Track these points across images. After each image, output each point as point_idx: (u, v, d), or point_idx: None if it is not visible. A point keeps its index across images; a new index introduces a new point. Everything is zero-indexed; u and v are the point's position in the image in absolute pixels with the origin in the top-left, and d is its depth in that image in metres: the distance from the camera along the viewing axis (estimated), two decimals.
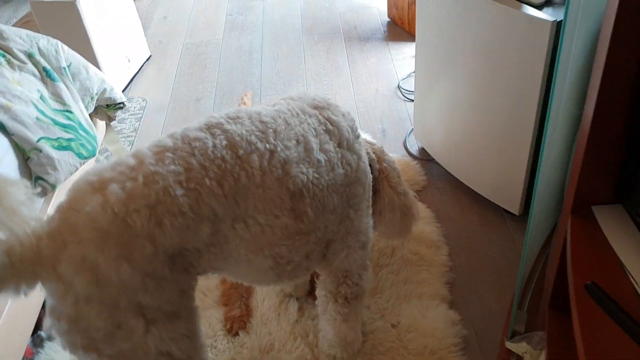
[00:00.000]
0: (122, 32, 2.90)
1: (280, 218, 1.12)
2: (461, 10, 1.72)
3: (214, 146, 1.06)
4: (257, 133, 1.12)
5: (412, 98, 2.64)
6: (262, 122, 1.14)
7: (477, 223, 1.98)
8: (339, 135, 1.27)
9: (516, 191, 1.87)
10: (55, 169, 1.58)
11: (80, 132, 1.70)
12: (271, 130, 1.13)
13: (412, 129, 2.44)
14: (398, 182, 1.52)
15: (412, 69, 2.83)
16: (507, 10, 1.55)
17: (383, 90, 2.74)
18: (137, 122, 2.67)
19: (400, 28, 3.21)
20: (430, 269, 1.78)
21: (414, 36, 3.10)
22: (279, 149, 1.12)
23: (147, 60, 3.18)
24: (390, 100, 2.67)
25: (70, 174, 1.65)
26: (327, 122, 1.26)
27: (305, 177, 1.15)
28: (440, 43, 1.89)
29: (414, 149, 2.35)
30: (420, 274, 1.76)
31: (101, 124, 2.07)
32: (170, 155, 1.02)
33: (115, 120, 2.12)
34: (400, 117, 2.56)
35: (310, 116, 1.24)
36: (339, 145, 1.26)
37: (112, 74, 2.77)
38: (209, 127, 1.09)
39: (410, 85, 2.73)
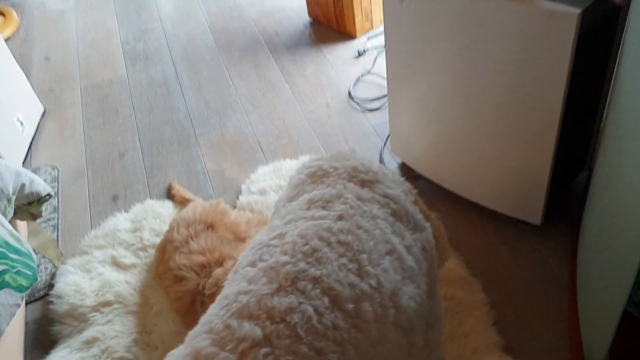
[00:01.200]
0: (4, 89, 2.35)
1: None
2: (456, 10, 1.44)
3: (317, 312, 0.73)
4: (350, 265, 0.80)
5: (370, 107, 2.36)
6: (343, 244, 0.82)
7: (495, 242, 1.74)
8: (406, 214, 0.98)
9: (536, 199, 1.65)
10: None
11: (11, 255, 1.26)
12: (360, 252, 0.82)
13: (384, 144, 2.17)
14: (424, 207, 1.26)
15: (357, 73, 2.55)
16: (519, 6, 1.30)
17: (334, 103, 2.44)
18: (53, 198, 2.18)
19: (326, 27, 2.90)
20: (473, 314, 1.53)
21: (347, 34, 2.85)
22: (382, 278, 0.81)
23: (42, 116, 2.64)
24: (346, 113, 2.37)
25: (12, 316, 1.22)
26: (388, 201, 0.96)
27: (414, 301, 0.84)
28: (421, 47, 1.61)
29: (393, 166, 2.08)
30: (466, 323, 1.50)
31: (21, 225, 1.61)
32: (268, 351, 0.68)
33: (41, 217, 1.66)
34: (364, 131, 2.27)
35: (370, 203, 0.93)
36: (413, 228, 0.96)
37: (5, 147, 2.24)
38: (293, 282, 0.77)
39: (361, 92, 2.44)
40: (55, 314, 1.68)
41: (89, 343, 1.58)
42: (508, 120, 1.54)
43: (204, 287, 1.43)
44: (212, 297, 1.38)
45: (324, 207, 0.90)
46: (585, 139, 1.74)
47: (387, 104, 2.34)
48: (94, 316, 1.65)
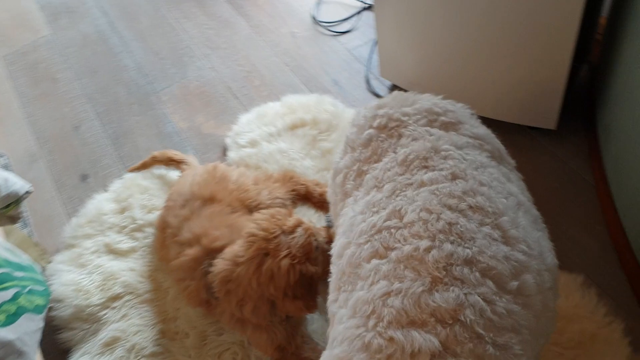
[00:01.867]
0: None
1: None
2: None
3: (487, 300, 0.64)
4: (495, 234, 0.68)
5: (341, 30, 2.18)
6: (476, 209, 0.70)
7: (511, 155, 1.67)
8: (499, 152, 0.87)
9: (551, 103, 1.57)
10: (20, 355, 0.96)
11: (16, 273, 1.06)
12: (498, 215, 0.71)
13: (368, 68, 2.01)
14: None
15: None
16: None
17: (300, 32, 2.23)
18: None
19: None
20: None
21: None
22: (529, 240, 0.71)
23: None
24: (316, 41, 2.18)
25: (38, 342, 1.04)
26: (481, 143, 0.84)
27: (552, 255, 0.74)
28: None
29: (383, 91, 1.94)
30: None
31: None
32: None
33: (20, 218, 1.43)
34: (342, 57, 2.10)
35: (469, 149, 0.81)
36: (511, 167, 0.85)
37: None
38: (447, 270, 0.64)
39: (327, 15, 2.24)
40: (59, 320, 1.49)
41: (109, 345, 1.42)
42: (520, 21, 1.42)
43: (210, 285, 1.28)
44: (227, 295, 1.23)
45: (426, 167, 0.76)
46: (589, 33, 1.66)
47: (359, 23, 2.17)
48: (105, 314, 1.48)
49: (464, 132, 0.84)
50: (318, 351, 1.30)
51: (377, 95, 1.93)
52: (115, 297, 1.51)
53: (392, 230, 0.70)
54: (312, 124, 1.82)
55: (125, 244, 1.61)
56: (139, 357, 1.38)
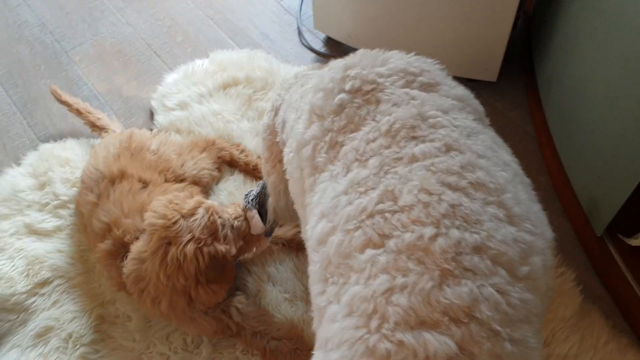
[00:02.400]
0: None
1: None
2: None
3: (500, 291, 0.59)
4: (500, 213, 0.63)
5: None
6: (478, 185, 0.65)
7: None
8: (480, 114, 0.82)
9: (494, 55, 1.55)
10: None
11: None
12: (500, 191, 0.67)
13: (300, 19, 1.91)
14: None
15: None
16: None
17: None
18: None
19: None
20: None
21: None
22: (532, 217, 0.67)
23: None
24: None
25: None
26: (463, 105, 0.79)
27: (548, 227, 0.71)
28: None
29: (318, 45, 1.85)
30: None
31: None
32: None
33: None
34: (271, 9, 1.97)
35: (455, 112, 0.75)
36: (496, 136, 0.81)
37: None
38: (456, 260, 0.59)
39: None
40: None
41: (42, 335, 1.29)
42: None
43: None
44: (141, 295, 1.14)
45: (415, 138, 0.69)
46: None
47: None
48: (34, 302, 1.34)
49: (444, 93, 0.79)
50: (270, 322, 1.25)
51: (312, 50, 1.84)
52: (44, 283, 1.37)
53: (387, 214, 0.63)
54: (246, 83, 1.71)
55: (48, 223, 1.46)
56: (77, 347, 1.27)
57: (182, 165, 1.40)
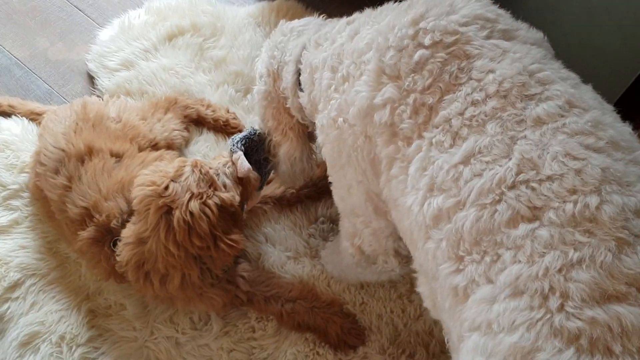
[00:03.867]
0: None
1: None
2: None
3: None
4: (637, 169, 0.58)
5: None
6: (614, 144, 0.61)
7: None
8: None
9: None
10: None
11: None
12: (634, 150, 0.60)
13: None
14: None
15: None
16: None
17: None
18: None
19: None
20: None
21: None
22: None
23: None
24: None
25: None
26: (546, 52, 0.73)
27: None
28: None
29: None
30: None
31: None
32: None
33: None
34: None
35: (550, 62, 0.70)
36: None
37: None
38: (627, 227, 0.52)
39: None
40: None
41: (28, 343, 1.15)
42: None
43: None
44: (146, 279, 1.04)
45: (530, 97, 0.63)
46: None
47: None
48: (7, 309, 1.19)
49: (523, 39, 0.72)
50: (280, 285, 1.19)
51: None
52: (14, 286, 1.21)
53: (533, 184, 0.58)
54: (193, 31, 1.55)
55: (2, 217, 1.28)
56: (74, 348, 1.15)
57: (150, 130, 1.26)
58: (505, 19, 0.74)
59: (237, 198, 1.06)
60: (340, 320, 1.16)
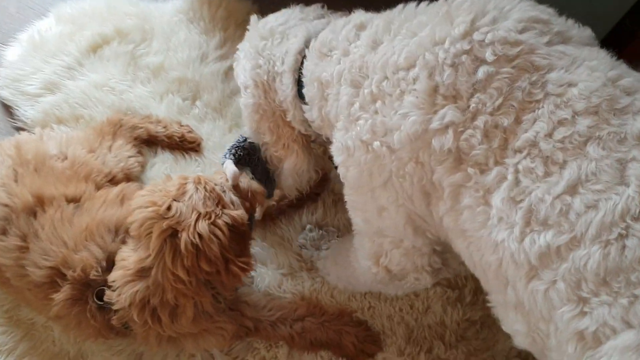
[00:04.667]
0: None
1: None
2: None
3: None
4: None
5: None
6: None
7: None
8: None
9: None
10: None
11: None
12: None
13: None
14: None
15: None
16: None
17: None
18: None
19: None
20: None
21: None
22: None
23: None
24: None
25: None
26: (604, 50, 0.68)
27: None
28: None
29: None
30: None
31: None
32: None
33: None
34: None
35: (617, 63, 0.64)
36: None
37: None
38: None
39: None
40: None
41: None
42: None
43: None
44: (153, 317, 0.91)
45: (622, 111, 0.58)
46: None
47: None
48: None
49: (579, 39, 0.66)
50: (284, 306, 1.11)
51: None
52: None
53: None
54: (119, 38, 1.37)
55: None
56: None
57: (104, 163, 1.10)
58: (555, 18, 0.68)
59: (246, 215, 0.95)
60: (354, 329, 1.10)
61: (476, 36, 0.64)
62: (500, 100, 0.62)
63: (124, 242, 0.96)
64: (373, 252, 0.91)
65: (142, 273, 0.88)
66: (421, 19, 0.71)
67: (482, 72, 0.63)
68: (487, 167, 0.62)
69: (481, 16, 0.65)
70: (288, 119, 0.95)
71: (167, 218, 0.86)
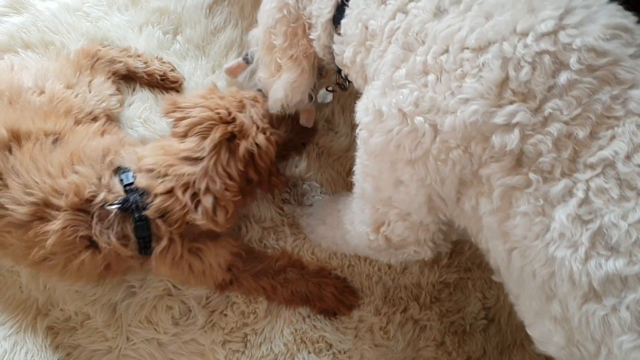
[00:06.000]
0: None
1: None
2: None
3: None
4: None
5: None
6: None
7: None
8: None
9: None
10: None
11: None
12: None
13: None
14: None
15: None
16: None
17: None
18: None
19: None
20: None
21: None
22: None
23: None
24: None
25: None
26: None
27: None
28: None
29: None
30: None
31: None
32: None
33: None
34: None
35: None
36: None
37: None
38: None
39: None
40: None
41: None
42: None
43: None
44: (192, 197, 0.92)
45: None
46: None
47: None
48: None
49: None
50: (265, 257, 1.09)
51: None
52: None
53: None
54: None
55: None
56: None
57: (84, 101, 1.02)
58: (638, 27, 0.64)
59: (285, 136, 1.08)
60: (333, 281, 1.11)
61: (562, 38, 0.59)
62: (578, 110, 0.59)
63: (112, 165, 0.94)
64: (374, 220, 0.88)
65: (189, 161, 0.92)
66: None
67: (564, 78, 0.59)
68: (552, 176, 0.60)
69: (568, 14, 0.61)
70: (310, 36, 0.89)
71: (230, 124, 0.95)
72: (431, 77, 0.66)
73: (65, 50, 1.15)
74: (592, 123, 0.58)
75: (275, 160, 1.01)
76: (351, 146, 1.21)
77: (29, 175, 0.89)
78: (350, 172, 1.24)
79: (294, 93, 0.98)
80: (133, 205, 0.90)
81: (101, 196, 0.90)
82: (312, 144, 1.22)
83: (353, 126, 1.25)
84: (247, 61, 1.14)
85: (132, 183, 0.92)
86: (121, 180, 0.92)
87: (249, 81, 1.21)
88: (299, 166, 1.20)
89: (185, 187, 0.91)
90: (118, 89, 1.13)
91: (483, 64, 0.62)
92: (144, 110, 1.16)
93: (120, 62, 1.13)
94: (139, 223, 0.90)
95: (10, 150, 0.90)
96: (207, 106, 0.96)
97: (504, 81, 0.62)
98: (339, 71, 0.94)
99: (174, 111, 0.98)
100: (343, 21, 0.83)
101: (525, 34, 0.61)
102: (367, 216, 0.89)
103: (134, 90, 1.18)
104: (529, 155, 0.61)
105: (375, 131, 0.74)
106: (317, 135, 1.22)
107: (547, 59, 0.60)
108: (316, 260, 1.14)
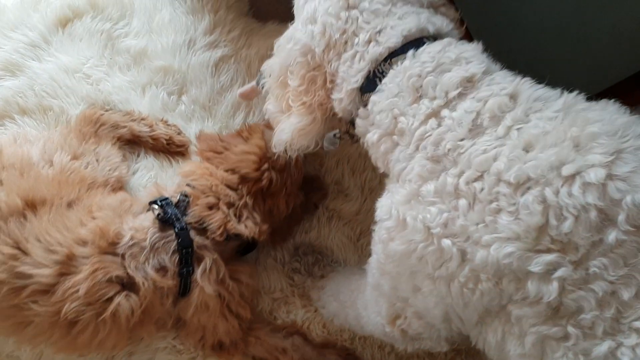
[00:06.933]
0: None
1: None
2: None
3: None
4: None
5: None
6: None
7: None
8: None
9: None
10: None
11: None
12: None
13: None
14: None
15: None
16: None
17: None
18: None
19: None
20: None
21: None
22: None
23: None
24: None
25: None
26: None
27: None
28: None
29: None
30: None
31: None
32: None
33: None
34: None
35: None
36: None
37: None
38: None
39: None
40: None
41: None
42: None
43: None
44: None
45: None
46: None
47: None
48: None
49: None
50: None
51: None
52: None
53: None
54: (94, 12, 1.18)
55: None
56: None
57: (94, 170, 1.00)
58: None
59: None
60: (337, 350, 1.09)
61: (612, 192, 0.56)
62: (625, 270, 0.56)
63: (131, 209, 0.94)
64: (390, 314, 0.85)
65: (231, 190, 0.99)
66: (542, 126, 0.62)
67: (612, 237, 0.56)
68: (593, 334, 0.57)
69: (619, 160, 0.57)
70: (331, 96, 0.82)
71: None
72: (463, 203, 0.63)
73: (64, 115, 1.09)
74: (638, 283, 0.56)
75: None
76: (361, 209, 1.19)
77: (49, 235, 0.86)
78: (360, 236, 1.22)
79: (300, 139, 0.90)
80: (173, 215, 0.91)
81: (128, 235, 0.88)
82: (322, 207, 1.19)
83: (363, 189, 1.24)
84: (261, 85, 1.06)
85: (167, 198, 0.94)
86: (153, 210, 0.92)
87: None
88: (310, 232, 1.17)
89: (229, 205, 0.96)
90: (124, 156, 1.08)
91: (522, 206, 0.59)
92: (149, 177, 1.11)
93: (124, 126, 1.08)
94: (181, 232, 0.91)
95: (25, 218, 0.87)
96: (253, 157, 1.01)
97: (544, 226, 0.58)
98: (352, 122, 0.86)
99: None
100: (373, 98, 0.76)
101: (570, 181, 0.58)
102: (383, 309, 0.85)
103: (138, 156, 1.12)
104: (569, 308, 0.58)
105: (396, 238, 0.70)
106: (328, 198, 1.19)
107: (593, 214, 0.56)
108: (327, 334, 1.11)
